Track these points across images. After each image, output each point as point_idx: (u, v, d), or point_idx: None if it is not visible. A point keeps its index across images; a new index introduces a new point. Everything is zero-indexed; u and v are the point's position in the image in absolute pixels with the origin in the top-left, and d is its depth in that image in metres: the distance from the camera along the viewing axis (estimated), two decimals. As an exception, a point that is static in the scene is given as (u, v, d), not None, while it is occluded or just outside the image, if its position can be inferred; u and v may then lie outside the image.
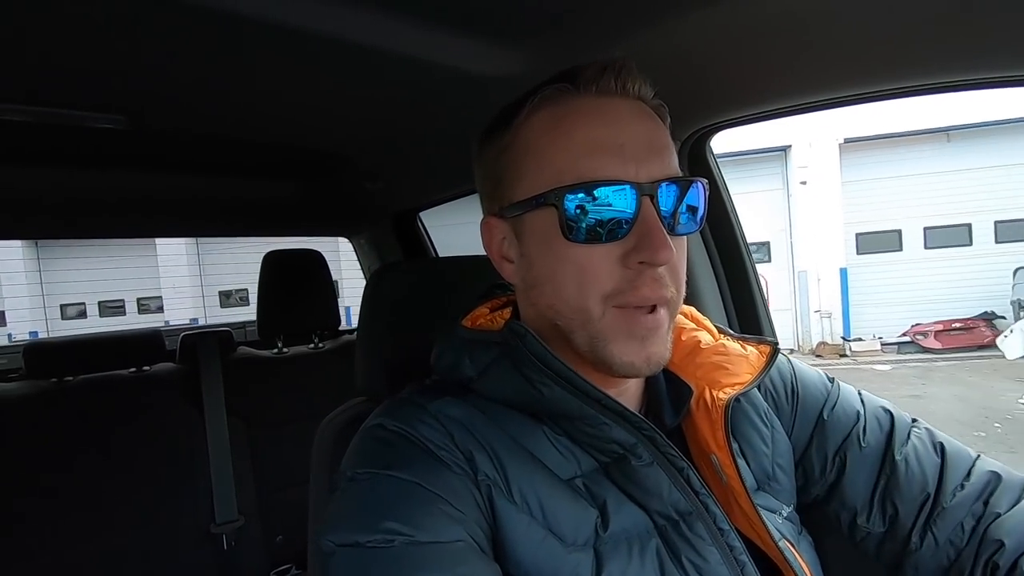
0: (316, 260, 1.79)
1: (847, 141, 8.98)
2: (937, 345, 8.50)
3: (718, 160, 1.05)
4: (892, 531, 0.62)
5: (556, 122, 0.52)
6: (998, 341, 7.66)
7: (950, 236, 9.48)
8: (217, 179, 1.50)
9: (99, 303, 12.61)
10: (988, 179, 8.95)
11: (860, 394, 0.68)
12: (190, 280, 12.49)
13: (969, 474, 0.60)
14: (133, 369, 1.62)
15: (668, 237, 0.49)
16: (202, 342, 1.70)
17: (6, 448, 1.36)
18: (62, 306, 12.46)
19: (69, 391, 1.49)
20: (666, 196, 0.51)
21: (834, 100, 0.81)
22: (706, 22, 0.67)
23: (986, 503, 0.58)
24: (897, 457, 0.62)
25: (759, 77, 0.79)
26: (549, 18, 0.70)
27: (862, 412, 0.65)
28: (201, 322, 11.18)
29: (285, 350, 1.84)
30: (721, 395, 0.58)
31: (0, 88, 0.80)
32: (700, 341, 0.64)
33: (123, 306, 12.78)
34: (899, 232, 9.75)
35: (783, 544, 0.55)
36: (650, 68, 0.54)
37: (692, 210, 0.54)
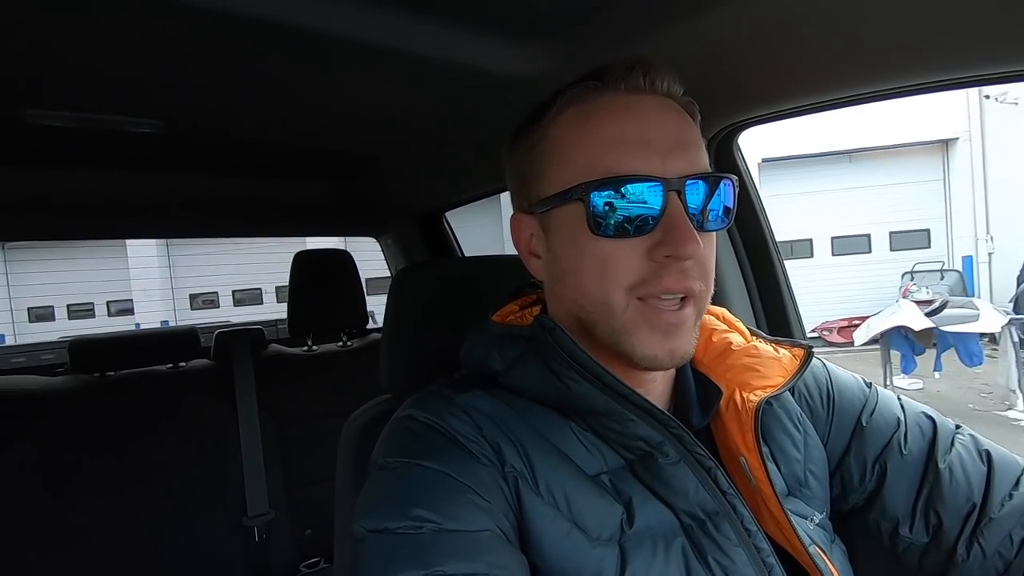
0: (345, 260, 1.82)
1: (764, 161, 9.80)
2: (840, 340, 9.27)
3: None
4: (936, 542, 0.60)
5: (583, 119, 0.53)
6: (854, 333, 7.91)
7: (853, 244, 10.96)
8: (247, 181, 1.54)
9: (67, 306, 12.77)
10: (884, 195, 10.60)
11: (900, 400, 0.66)
12: (160, 283, 12.54)
13: (1018, 483, 0.59)
14: (170, 365, 1.67)
15: (695, 231, 0.49)
16: (235, 340, 1.74)
17: (55, 438, 1.42)
18: (29, 309, 12.68)
19: (111, 385, 1.55)
20: (693, 192, 0.51)
21: (862, 96, 0.79)
22: (730, 18, 0.66)
23: None
24: (940, 465, 0.60)
25: (786, 74, 0.78)
26: (573, 16, 0.70)
27: (902, 418, 0.64)
28: (172, 324, 11.32)
29: (315, 348, 1.87)
30: (752, 397, 0.57)
31: (46, 95, 0.84)
32: (731, 343, 0.63)
33: (92, 309, 12.88)
34: (811, 241, 11.13)
35: (813, 550, 0.53)
36: (674, 65, 0.54)
37: (721, 207, 0.54)
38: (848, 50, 0.70)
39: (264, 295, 12.89)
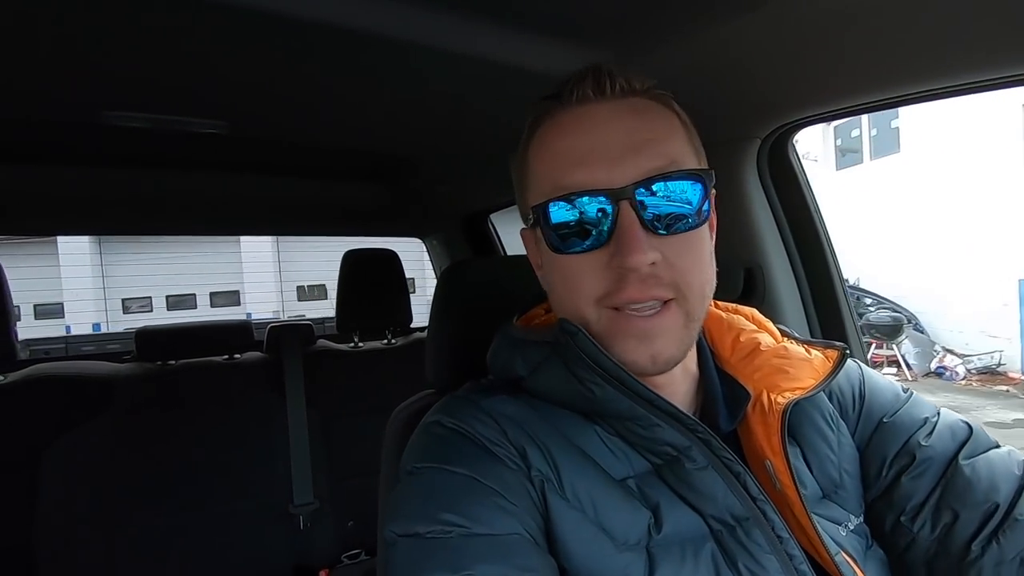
0: (391, 259, 1.87)
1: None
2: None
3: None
4: (945, 540, 0.55)
5: (542, 137, 0.54)
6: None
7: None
8: (300, 181, 1.61)
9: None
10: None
11: (940, 409, 0.62)
12: (92, 282, 12.53)
13: None
14: (226, 356, 1.75)
15: (646, 239, 0.48)
16: (286, 334, 1.81)
17: (120, 420, 1.52)
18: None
19: (172, 373, 1.64)
20: (648, 195, 0.49)
21: (919, 94, 0.75)
22: (780, 16, 0.64)
23: None
24: (963, 463, 0.56)
25: (841, 72, 0.75)
26: (618, 19, 0.69)
27: (931, 419, 0.60)
28: (104, 329, 11.30)
29: (360, 344, 1.92)
30: (779, 399, 0.55)
31: (120, 98, 0.90)
32: (760, 343, 0.61)
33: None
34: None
35: (840, 558, 0.51)
36: (725, 64, 0.52)
37: (686, 206, 0.51)
38: (901, 46, 0.66)
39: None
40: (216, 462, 1.60)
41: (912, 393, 0.64)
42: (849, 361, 0.62)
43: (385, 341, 1.95)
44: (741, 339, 0.62)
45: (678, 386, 0.58)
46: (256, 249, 13.05)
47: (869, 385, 0.64)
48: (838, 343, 0.60)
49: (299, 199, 1.77)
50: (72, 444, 1.44)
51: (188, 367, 1.67)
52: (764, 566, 0.49)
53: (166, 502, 1.53)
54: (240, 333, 1.77)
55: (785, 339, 0.63)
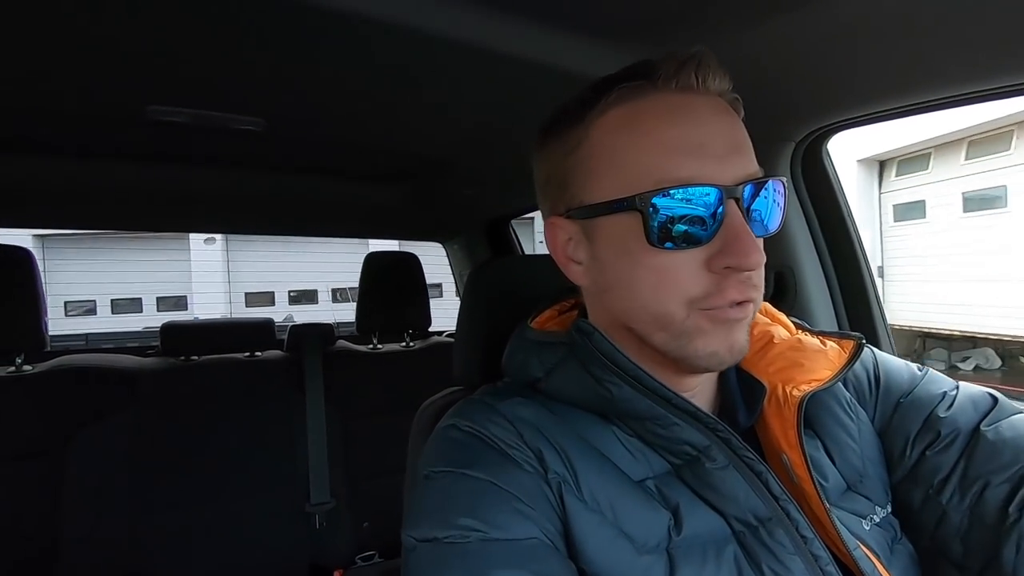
0: (412, 263, 1.89)
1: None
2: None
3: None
4: (979, 508, 0.53)
5: (633, 120, 0.50)
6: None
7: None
8: (323, 181, 1.62)
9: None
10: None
11: (959, 384, 0.61)
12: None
13: None
14: (247, 353, 1.77)
15: (755, 239, 0.48)
16: (306, 333, 1.83)
17: (144, 413, 1.53)
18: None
19: (195, 368, 1.66)
20: (750, 197, 0.49)
21: (955, 98, 0.74)
22: (818, 18, 0.64)
23: None
24: (985, 429, 0.55)
25: (876, 75, 0.75)
26: (655, 18, 0.69)
27: (950, 392, 0.59)
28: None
29: (379, 346, 1.93)
30: (795, 392, 0.54)
31: (166, 93, 0.92)
32: (774, 336, 0.61)
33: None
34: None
35: (859, 552, 0.50)
36: (762, 65, 0.52)
37: (778, 211, 0.52)
38: (937, 49, 0.66)
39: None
40: (236, 458, 1.60)
41: (928, 370, 0.63)
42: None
43: (404, 343, 1.96)
44: (755, 332, 0.61)
45: (701, 386, 0.57)
46: (205, 257, 12.84)
47: (884, 368, 0.64)
48: (855, 333, 0.59)
49: (322, 200, 1.79)
50: (97, 435, 1.46)
51: (211, 363, 1.69)
52: (789, 567, 0.48)
53: (186, 495, 1.54)
54: (262, 331, 1.79)
55: (800, 331, 0.62)
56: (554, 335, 0.58)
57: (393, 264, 1.87)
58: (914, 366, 0.64)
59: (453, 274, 2.47)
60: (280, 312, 11.90)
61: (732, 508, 0.50)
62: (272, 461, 1.65)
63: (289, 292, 13.35)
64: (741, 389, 0.59)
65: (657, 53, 0.77)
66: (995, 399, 0.58)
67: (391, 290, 1.86)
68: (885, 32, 0.64)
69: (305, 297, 13.38)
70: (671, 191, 0.47)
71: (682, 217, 0.47)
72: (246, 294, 13.19)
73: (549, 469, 0.50)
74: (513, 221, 2.16)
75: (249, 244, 12.19)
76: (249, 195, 1.66)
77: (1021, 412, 0.57)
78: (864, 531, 0.53)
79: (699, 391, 0.58)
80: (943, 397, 0.59)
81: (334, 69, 0.84)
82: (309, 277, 12.85)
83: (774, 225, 0.52)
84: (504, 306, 0.75)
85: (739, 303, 0.49)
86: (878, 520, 0.55)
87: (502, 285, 0.79)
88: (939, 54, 0.68)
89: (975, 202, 8.71)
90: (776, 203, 0.52)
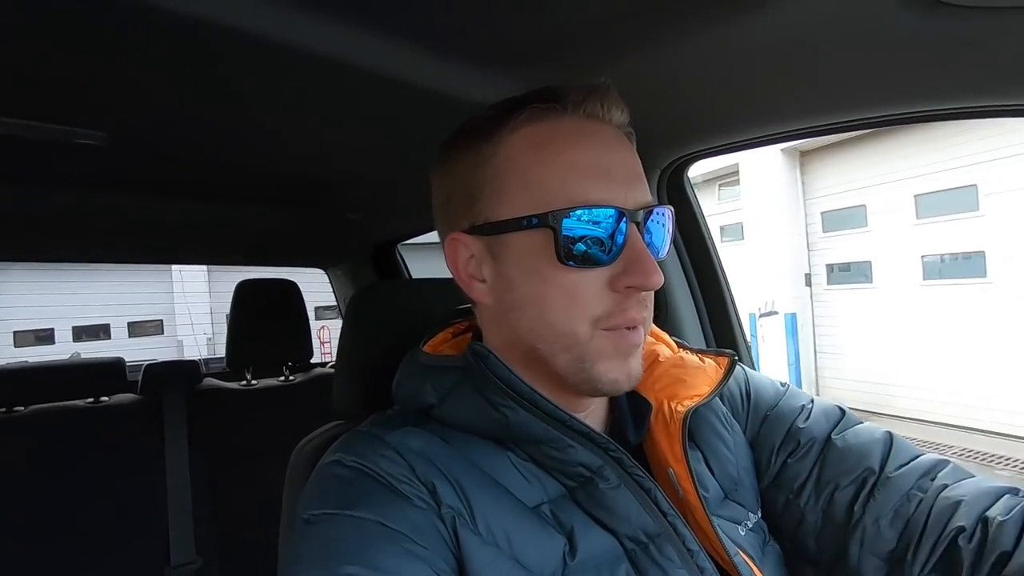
0: (290, 290, 1.76)
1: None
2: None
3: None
4: (830, 509, 0.59)
5: (546, 140, 0.51)
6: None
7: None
8: (195, 204, 1.47)
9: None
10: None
11: (812, 397, 0.68)
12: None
13: (916, 457, 0.59)
14: (91, 400, 1.54)
15: (655, 261, 0.51)
16: (166, 372, 1.63)
17: None
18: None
19: (19, 421, 1.41)
20: (651, 222, 0.53)
21: (813, 128, 0.83)
22: (689, 51, 0.68)
23: (933, 479, 0.57)
24: (835, 437, 0.62)
25: (741, 106, 0.82)
26: (538, 46, 0.70)
27: (807, 405, 0.66)
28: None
29: (254, 382, 1.78)
30: (679, 408, 0.58)
31: None
32: (659, 354, 0.64)
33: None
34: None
35: (739, 558, 0.53)
36: (634, 96, 0.55)
37: (666, 236, 0.56)
38: (800, 84, 0.73)
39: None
40: (76, 522, 1.38)
41: (789, 385, 0.70)
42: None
43: (282, 378, 1.82)
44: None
45: (595, 407, 0.59)
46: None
47: (753, 384, 0.69)
48: (727, 351, 0.64)
49: (193, 225, 1.62)
50: None
51: (42, 414, 1.45)
52: None
53: (15, 571, 1.30)
54: (107, 372, 1.57)
55: (681, 350, 0.66)
56: (448, 359, 0.57)
57: (269, 292, 1.73)
58: (777, 381, 0.70)
59: (337, 302, 2.36)
60: (62, 352, 10.01)
61: (624, 527, 0.51)
62: (123, 520, 1.44)
63: (73, 327, 11.11)
64: (629, 407, 0.61)
65: (529, 83, 0.77)
66: (843, 411, 0.65)
67: (266, 321, 1.71)
68: (747, 66, 0.70)
69: (89, 333, 11.23)
70: (581, 211, 0.49)
71: (590, 237, 0.49)
72: (15, 333, 10.80)
73: (443, 503, 0.48)
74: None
75: (17, 274, 10.14)
76: (99, 219, 1.46)
77: (863, 423, 0.64)
78: (741, 537, 0.57)
79: (592, 412, 0.59)
80: (802, 410, 0.65)
81: (185, 84, 0.75)
82: (98, 311, 11.01)
83: (664, 250, 0.55)
84: (389, 332, 0.72)
85: (633, 328, 0.52)
86: (751, 525, 0.59)
87: (386, 310, 0.75)
88: (778, 93, 0.76)
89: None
90: (666, 229, 0.55)
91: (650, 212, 0.52)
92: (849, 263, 8.14)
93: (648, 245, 0.51)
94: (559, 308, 0.51)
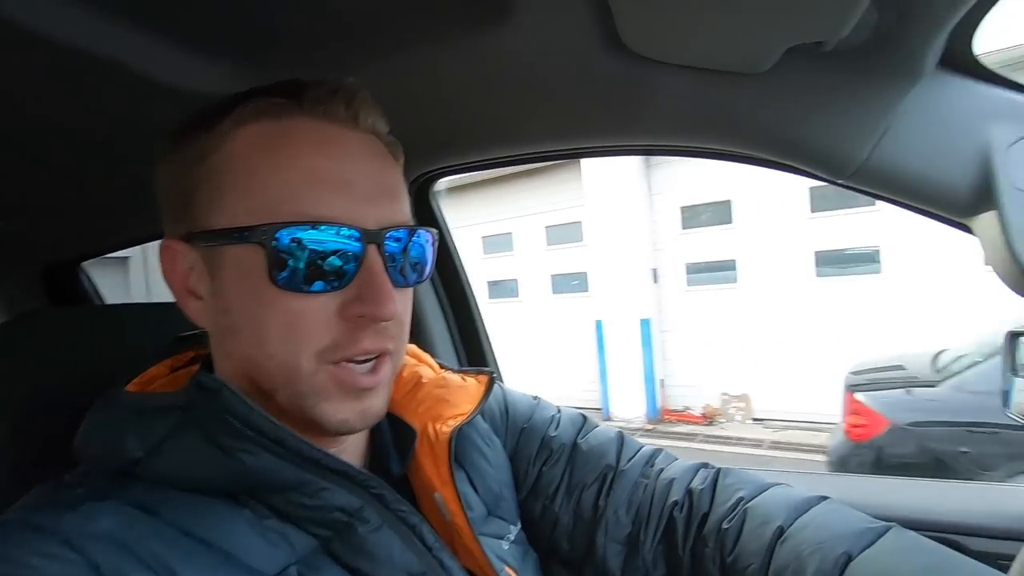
0: None
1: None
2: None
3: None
4: (579, 508, 0.65)
5: (278, 141, 0.45)
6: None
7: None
8: None
9: None
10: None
11: (560, 407, 0.75)
12: None
13: (639, 449, 0.70)
14: None
15: (393, 289, 0.46)
16: None
17: None
18: None
19: None
20: (394, 245, 0.48)
21: (546, 153, 0.90)
22: (434, 64, 0.68)
23: (652, 465, 0.67)
24: (579, 441, 0.69)
25: (484, 125, 0.85)
26: (268, 36, 0.62)
27: (556, 416, 0.72)
28: None
29: None
30: (444, 429, 0.57)
31: None
32: (422, 376, 0.64)
33: None
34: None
35: (504, 573, 0.55)
36: (383, 104, 0.51)
37: (421, 260, 0.52)
38: (534, 106, 0.78)
39: None
40: None
41: (539, 398, 0.75)
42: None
43: None
44: (404, 374, 0.63)
45: (350, 441, 0.53)
46: None
47: (509, 400, 0.73)
48: (487, 368, 0.66)
49: None
50: None
51: None
52: None
53: None
54: None
55: (443, 370, 0.65)
56: (162, 397, 0.47)
57: None
58: (529, 395, 0.74)
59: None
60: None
61: (387, 571, 0.46)
62: None
63: None
64: (392, 434, 0.58)
65: (258, 78, 0.65)
66: (585, 417, 0.73)
67: None
68: (491, 88, 0.71)
69: None
70: (305, 226, 0.43)
71: (316, 258, 0.43)
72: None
73: None
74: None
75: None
76: None
77: (599, 426, 0.72)
78: (504, 551, 0.58)
79: (349, 445, 0.53)
80: (552, 420, 0.70)
81: None
82: None
83: (419, 276, 0.51)
84: (55, 380, 0.56)
85: (372, 370, 0.47)
86: (513, 538, 0.61)
87: (52, 350, 0.58)
88: (517, 114, 0.80)
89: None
90: (424, 253, 0.51)
91: (401, 233, 0.48)
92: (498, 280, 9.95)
93: (393, 271, 0.47)
94: (278, 337, 0.44)
